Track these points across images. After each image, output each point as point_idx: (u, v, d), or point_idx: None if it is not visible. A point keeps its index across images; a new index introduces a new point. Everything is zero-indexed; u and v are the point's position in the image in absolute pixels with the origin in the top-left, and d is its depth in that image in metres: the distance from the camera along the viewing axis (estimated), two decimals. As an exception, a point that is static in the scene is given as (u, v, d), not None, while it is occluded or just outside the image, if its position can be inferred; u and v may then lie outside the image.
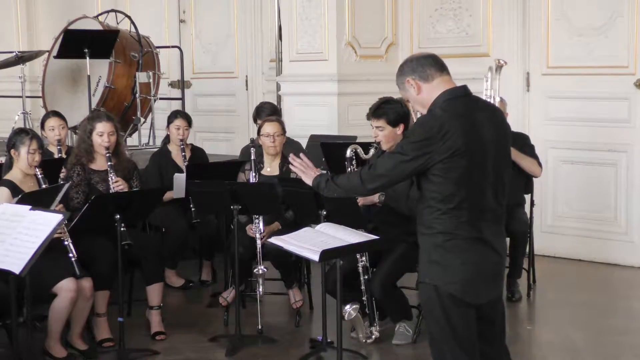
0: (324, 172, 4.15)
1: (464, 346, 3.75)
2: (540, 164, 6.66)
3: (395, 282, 5.61)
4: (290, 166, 4.29)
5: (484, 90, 6.37)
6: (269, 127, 6.31)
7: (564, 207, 7.96)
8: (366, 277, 5.56)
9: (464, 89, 3.82)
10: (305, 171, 4.17)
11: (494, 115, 3.86)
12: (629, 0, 7.43)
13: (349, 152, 5.43)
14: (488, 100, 6.31)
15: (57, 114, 6.92)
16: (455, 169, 3.61)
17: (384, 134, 5.43)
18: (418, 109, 3.86)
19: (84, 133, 6.00)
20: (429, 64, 3.77)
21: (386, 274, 5.52)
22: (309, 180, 4.11)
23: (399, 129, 5.44)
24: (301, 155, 4.29)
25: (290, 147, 6.87)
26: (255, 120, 7.35)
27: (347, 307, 5.07)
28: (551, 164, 7.76)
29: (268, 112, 7.28)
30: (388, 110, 5.45)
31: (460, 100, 3.75)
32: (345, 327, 5.35)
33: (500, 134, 3.80)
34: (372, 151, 5.45)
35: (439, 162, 3.60)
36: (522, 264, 6.74)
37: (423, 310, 3.94)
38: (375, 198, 5.54)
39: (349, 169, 5.45)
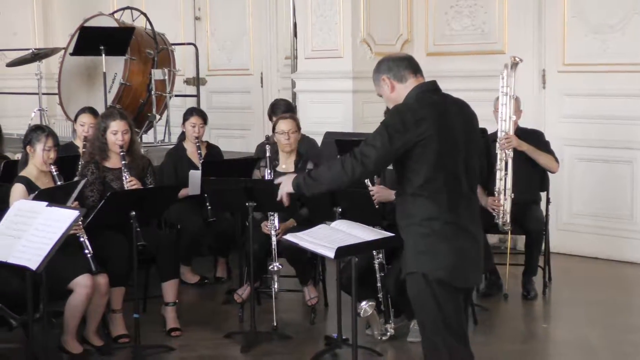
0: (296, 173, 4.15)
1: (455, 333, 3.90)
2: (556, 159, 6.65)
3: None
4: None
5: (500, 87, 6.36)
6: (284, 125, 6.31)
7: (579, 205, 7.93)
8: (382, 274, 5.55)
9: (434, 83, 4.04)
10: (282, 187, 4.14)
11: (463, 109, 4.05)
12: (646, -3, 7.41)
13: None
14: (505, 97, 6.32)
15: (92, 110, 6.86)
16: (430, 154, 3.78)
17: None
18: (390, 105, 4.04)
19: (98, 131, 6.00)
20: (404, 66, 3.98)
21: (401, 272, 5.50)
22: (288, 187, 4.09)
23: None
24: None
25: (305, 144, 6.88)
26: (270, 118, 7.35)
27: (363, 303, 5.06)
28: (567, 162, 7.73)
29: (283, 109, 7.27)
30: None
31: (432, 93, 3.97)
32: (360, 324, 5.35)
33: (469, 126, 4.00)
34: None
35: (413, 146, 3.77)
36: (538, 261, 6.72)
37: (413, 304, 3.99)
38: (392, 195, 5.53)
39: None
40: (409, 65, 4.00)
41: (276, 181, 4.24)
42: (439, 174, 3.81)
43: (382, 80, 4.00)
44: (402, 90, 3.96)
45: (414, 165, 3.81)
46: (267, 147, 6.17)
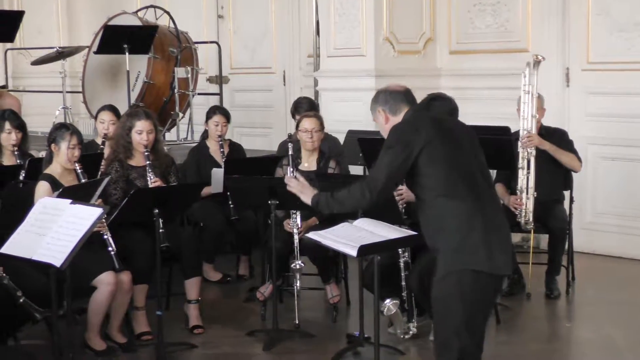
0: (320, 191, 4.31)
1: (474, 336, 3.96)
2: (579, 159, 6.61)
3: (432, 276, 5.54)
4: (287, 187, 4.44)
5: (522, 85, 6.34)
6: (307, 123, 6.31)
7: (603, 204, 7.88)
8: (407, 272, 5.54)
9: (426, 103, 4.50)
10: (303, 191, 4.33)
11: (457, 121, 4.38)
12: (672, -5, 7.35)
13: None
14: (527, 96, 6.31)
15: (112, 108, 6.91)
16: (439, 153, 3.93)
17: None
18: (384, 135, 4.20)
19: (123, 130, 6.03)
20: (400, 99, 4.17)
21: (425, 268, 5.46)
22: (307, 200, 4.29)
23: None
24: (296, 175, 4.46)
25: (327, 142, 6.88)
26: (293, 116, 7.37)
27: (387, 301, 5.05)
28: (590, 161, 7.68)
29: (306, 107, 7.28)
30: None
31: (424, 110, 4.29)
32: (383, 323, 5.35)
33: (468, 132, 4.16)
34: None
35: (419, 153, 3.90)
36: (561, 261, 6.69)
37: (439, 304, 4.02)
38: None
39: None
40: (405, 98, 4.19)
41: (288, 180, 4.42)
42: (453, 171, 3.93)
43: (377, 111, 4.21)
44: (395, 121, 4.15)
45: (426, 170, 3.92)
46: (290, 145, 6.17)
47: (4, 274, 4.11)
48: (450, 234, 3.91)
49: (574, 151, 6.63)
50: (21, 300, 4.17)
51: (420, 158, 3.92)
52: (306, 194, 4.31)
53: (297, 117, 7.13)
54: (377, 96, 4.25)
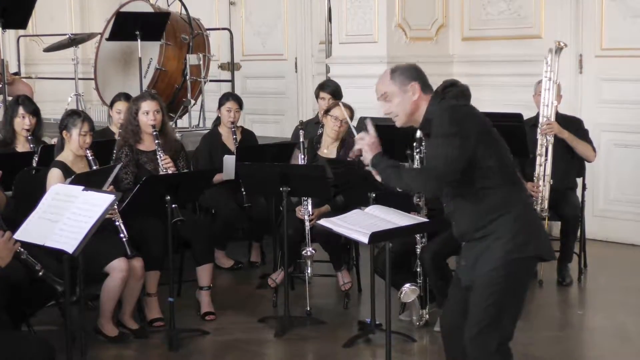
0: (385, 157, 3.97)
1: (519, 316, 3.92)
2: (594, 149, 6.58)
3: (446, 257, 5.52)
4: (356, 142, 4.04)
5: (543, 72, 6.30)
6: (340, 112, 6.28)
7: (616, 191, 7.85)
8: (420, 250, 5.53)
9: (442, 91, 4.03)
10: (371, 146, 3.97)
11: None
12: (686, -20, 7.29)
13: (419, 133, 5.35)
14: (548, 82, 6.28)
15: (127, 97, 6.91)
16: (491, 141, 3.79)
17: None
18: (399, 113, 3.88)
19: (130, 114, 6.05)
20: (427, 79, 3.88)
21: (439, 245, 5.41)
22: (368, 157, 3.96)
23: None
24: (370, 125, 4.07)
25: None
26: (317, 95, 7.41)
27: (406, 286, 5.01)
28: (604, 148, 7.64)
29: (331, 87, 7.39)
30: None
31: (462, 98, 4.06)
32: (394, 310, 5.35)
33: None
34: None
35: (477, 144, 3.71)
36: (573, 248, 6.68)
37: (490, 294, 3.81)
38: None
39: (417, 150, 5.45)
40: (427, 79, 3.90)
41: (361, 136, 4.00)
42: (504, 158, 3.83)
43: (410, 85, 3.84)
44: (422, 101, 3.86)
45: (486, 162, 3.73)
46: (301, 132, 6.16)
47: (22, 249, 4.12)
48: (512, 221, 3.76)
49: (589, 141, 6.61)
50: (40, 273, 4.18)
51: (479, 149, 3.73)
52: (371, 151, 3.93)
53: (322, 94, 7.19)
54: (405, 71, 3.89)
